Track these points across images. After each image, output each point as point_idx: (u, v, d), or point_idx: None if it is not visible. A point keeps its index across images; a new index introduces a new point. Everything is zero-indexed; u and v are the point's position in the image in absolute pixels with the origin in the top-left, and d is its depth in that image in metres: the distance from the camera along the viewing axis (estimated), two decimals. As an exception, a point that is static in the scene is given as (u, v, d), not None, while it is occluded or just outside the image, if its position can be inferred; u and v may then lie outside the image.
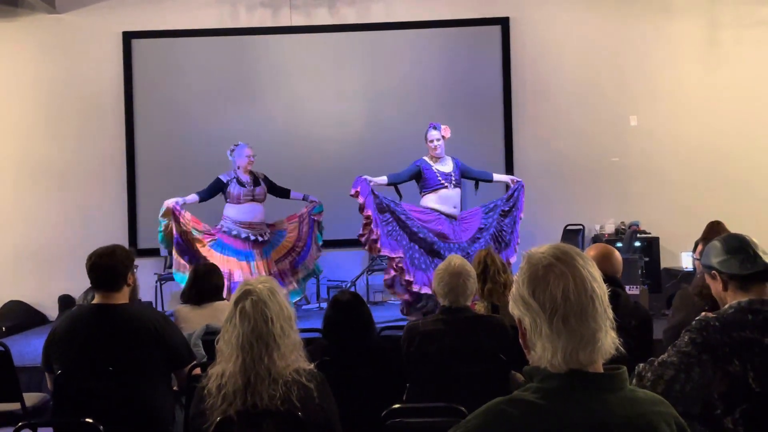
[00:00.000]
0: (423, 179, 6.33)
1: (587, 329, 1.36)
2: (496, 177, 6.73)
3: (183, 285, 6.00)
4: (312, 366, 2.47)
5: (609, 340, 1.38)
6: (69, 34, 8.42)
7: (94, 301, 3.30)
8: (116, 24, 8.40)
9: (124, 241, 7.94)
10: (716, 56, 8.42)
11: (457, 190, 6.41)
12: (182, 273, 6.17)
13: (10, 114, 8.40)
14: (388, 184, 6.33)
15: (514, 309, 1.45)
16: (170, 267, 7.94)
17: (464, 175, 6.53)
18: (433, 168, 6.32)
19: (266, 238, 6.67)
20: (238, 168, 6.59)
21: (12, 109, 8.40)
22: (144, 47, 8.49)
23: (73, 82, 8.40)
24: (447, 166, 6.38)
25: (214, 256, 6.27)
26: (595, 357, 1.37)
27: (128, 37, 8.43)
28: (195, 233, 6.40)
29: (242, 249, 6.52)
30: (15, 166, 8.37)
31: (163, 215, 6.27)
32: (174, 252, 6.32)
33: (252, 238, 6.57)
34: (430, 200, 6.32)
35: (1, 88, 8.40)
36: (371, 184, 6.05)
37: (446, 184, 6.31)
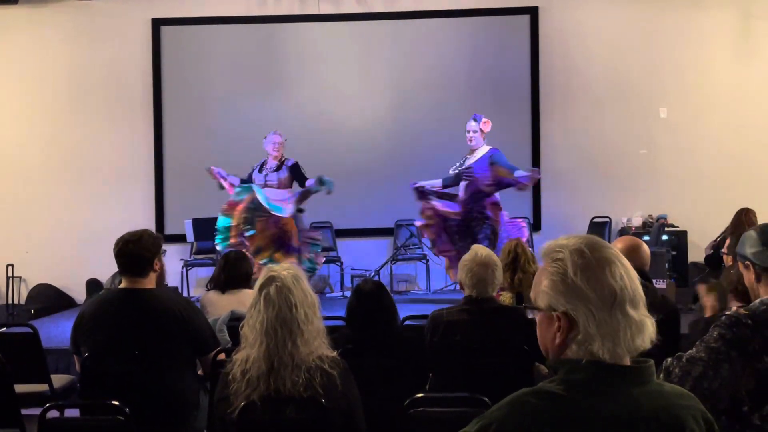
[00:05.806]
0: None
1: (641, 315, 1.37)
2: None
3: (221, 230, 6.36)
4: (335, 353, 2.48)
5: (653, 328, 1.38)
6: (98, 21, 8.47)
7: (121, 286, 3.33)
8: (145, 11, 8.45)
9: (151, 226, 8.01)
10: (748, 48, 8.28)
11: None
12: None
13: (39, 100, 8.49)
14: None
15: (557, 303, 1.38)
16: (196, 253, 8.05)
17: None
18: None
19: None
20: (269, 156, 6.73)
21: (41, 95, 8.49)
22: (173, 34, 8.53)
23: (102, 69, 8.46)
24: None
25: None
26: (647, 344, 1.37)
27: (157, 24, 8.47)
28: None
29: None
30: (44, 152, 8.46)
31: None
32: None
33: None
34: None
35: (30, 74, 8.48)
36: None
37: None
